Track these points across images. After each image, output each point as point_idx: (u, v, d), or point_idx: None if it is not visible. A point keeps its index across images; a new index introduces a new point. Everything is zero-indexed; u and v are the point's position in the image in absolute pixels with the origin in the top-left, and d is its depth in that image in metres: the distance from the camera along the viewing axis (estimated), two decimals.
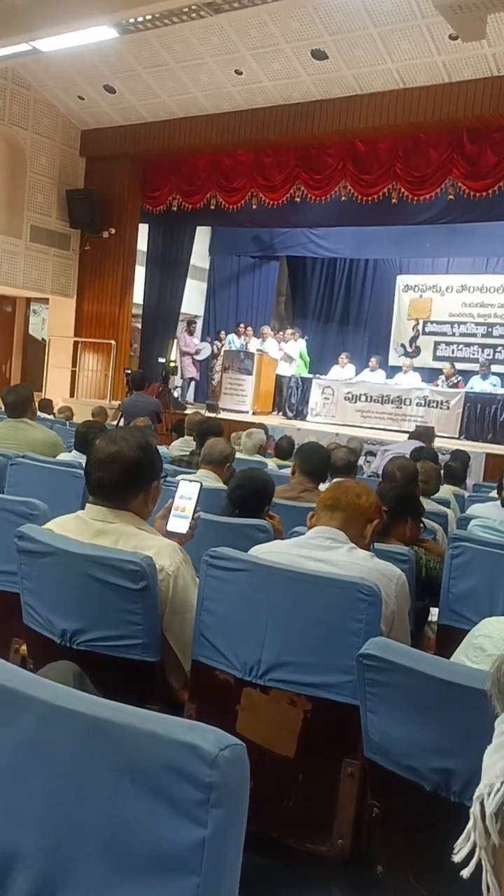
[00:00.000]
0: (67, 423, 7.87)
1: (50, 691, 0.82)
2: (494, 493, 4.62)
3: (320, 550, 1.98)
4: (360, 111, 9.28)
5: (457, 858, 0.57)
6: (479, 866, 0.57)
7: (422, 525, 3.05)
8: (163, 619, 1.84)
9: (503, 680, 0.58)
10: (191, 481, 2.21)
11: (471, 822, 0.56)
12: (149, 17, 8.39)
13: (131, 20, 8.41)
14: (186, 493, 2.14)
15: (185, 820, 0.73)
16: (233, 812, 0.74)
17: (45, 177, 11.53)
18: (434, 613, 2.74)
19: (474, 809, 0.56)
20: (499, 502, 3.58)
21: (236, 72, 9.46)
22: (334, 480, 2.33)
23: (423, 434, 7.89)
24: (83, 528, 1.91)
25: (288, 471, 4.86)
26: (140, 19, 8.43)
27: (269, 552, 2.03)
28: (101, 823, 0.77)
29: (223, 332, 13.68)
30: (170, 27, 8.73)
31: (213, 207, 11.20)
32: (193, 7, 8.08)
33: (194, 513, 2.12)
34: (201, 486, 2.20)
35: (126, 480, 1.90)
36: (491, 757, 0.56)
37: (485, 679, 1.04)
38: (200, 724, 0.77)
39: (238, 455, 5.27)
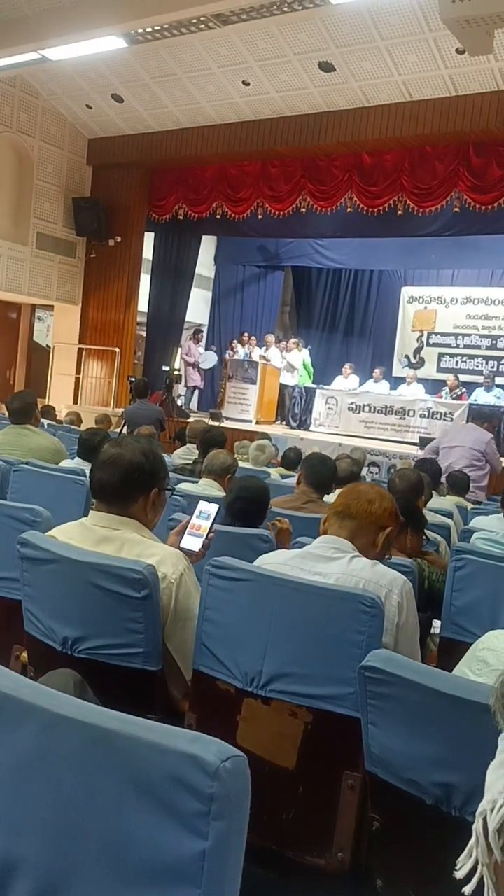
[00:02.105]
0: (73, 426, 7.90)
1: (53, 700, 0.82)
2: (498, 506, 4.61)
3: (321, 562, 1.95)
4: (366, 123, 9.32)
5: (459, 875, 0.57)
6: (480, 883, 0.56)
7: (425, 537, 3.05)
8: (165, 627, 1.84)
9: None
10: (210, 502, 2.21)
11: (473, 839, 0.56)
12: (157, 28, 8.44)
13: (140, 30, 8.47)
14: (204, 513, 2.15)
15: (186, 831, 0.73)
16: (234, 824, 0.74)
17: (52, 184, 11.59)
18: (436, 626, 2.73)
19: (477, 826, 0.56)
20: (502, 514, 3.57)
21: (244, 83, 9.52)
22: (348, 485, 2.25)
23: (486, 416, 7.79)
24: (87, 535, 1.91)
25: (291, 481, 4.87)
26: (149, 29, 8.48)
27: (268, 563, 2.02)
28: (103, 833, 0.76)
29: (234, 342, 13.70)
30: (178, 38, 8.79)
31: (218, 217, 11.25)
32: (202, 18, 8.12)
33: (209, 533, 2.12)
34: (220, 508, 2.20)
35: (125, 482, 1.90)
36: (494, 773, 0.56)
37: (488, 693, 1.04)
38: (203, 735, 0.77)
39: (244, 465, 5.28)
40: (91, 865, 0.77)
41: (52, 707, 0.81)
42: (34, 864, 0.78)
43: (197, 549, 2.10)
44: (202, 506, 2.17)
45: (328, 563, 1.95)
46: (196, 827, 0.73)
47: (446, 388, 11.73)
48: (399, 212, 9.80)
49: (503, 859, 0.54)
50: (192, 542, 2.11)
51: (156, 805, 0.75)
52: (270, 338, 13.51)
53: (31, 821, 0.79)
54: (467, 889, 0.56)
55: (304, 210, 10.53)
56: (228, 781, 0.73)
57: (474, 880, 0.56)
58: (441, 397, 11.50)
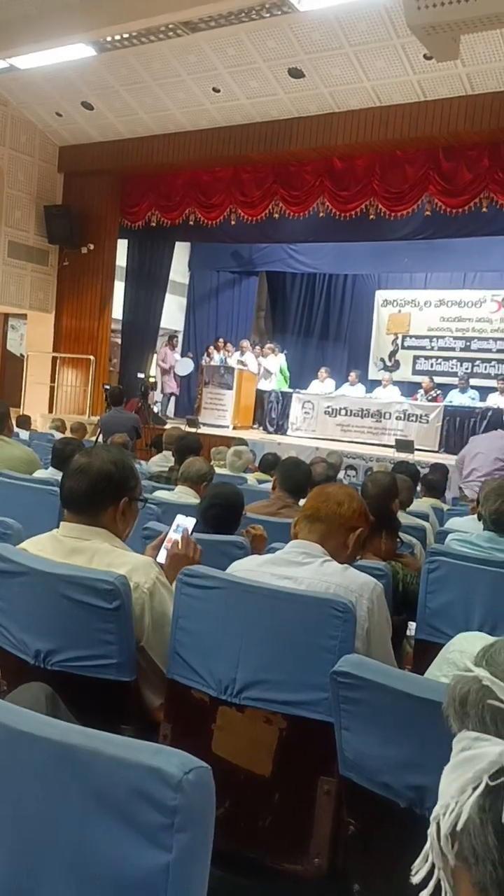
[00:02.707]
0: (58, 432, 7.89)
1: (15, 717, 0.82)
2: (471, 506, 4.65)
3: (291, 567, 1.94)
4: (337, 128, 9.38)
5: (415, 880, 0.57)
6: (438, 887, 0.57)
7: (399, 539, 3.06)
8: (144, 636, 1.84)
9: (459, 699, 0.58)
10: (187, 516, 2.21)
11: (428, 844, 0.57)
12: (126, 36, 8.45)
13: (109, 38, 8.46)
14: (181, 527, 2.15)
15: (150, 844, 0.73)
16: (198, 836, 0.74)
17: (23, 193, 11.53)
18: (412, 628, 2.75)
19: (431, 830, 0.56)
20: (476, 516, 3.60)
21: (214, 89, 9.54)
22: (316, 487, 2.23)
23: None
24: (57, 546, 1.91)
25: (267, 486, 4.88)
26: (117, 37, 8.48)
27: (240, 570, 2.02)
28: (67, 848, 0.76)
29: (211, 348, 13.71)
30: (147, 45, 8.79)
31: (191, 223, 11.26)
32: (170, 26, 8.14)
33: (189, 544, 2.12)
34: (196, 521, 2.20)
35: (94, 492, 1.90)
36: (447, 777, 0.56)
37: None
38: (166, 747, 0.77)
39: (220, 471, 5.28)
40: (55, 880, 0.76)
41: (13, 724, 0.80)
42: None
43: None
44: (179, 519, 2.17)
45: (298, 567, 1.94)
46: (160, 840, 0.72)
47: (421, 391, 11.82)
48: (371, 216, 9.87)
49: (456, 864, 0.54)
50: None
51: (119, 819, 0.74)
52: (246, 343, 13.54)
53: None
54: (424, 893, 0.57)
55: (276, 215, 10.57)
56: (191, 793, 0.73)
57: (431, 884, 0.57)
58: (417, 399, 11.58)
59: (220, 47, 8.79)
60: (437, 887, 0.57)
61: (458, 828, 0.53)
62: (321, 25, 8.03)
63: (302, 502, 3.72)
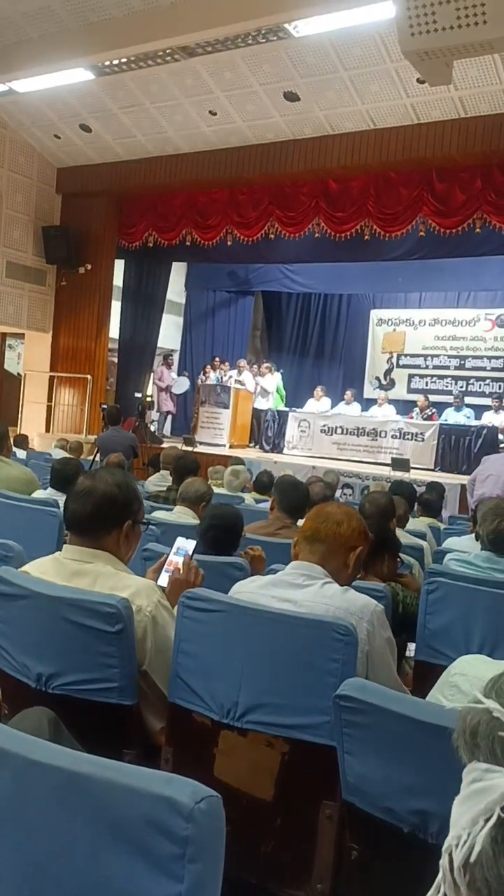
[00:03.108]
0: (61, 451, 7.91)
1: (26, 745, 0.82)
2: (470, 526, 4.66)
3: (292, 589, 1.94)
4: (332, 151, 9.49)
5: None
6: None
7: (399, 560, 3.07)
8: (147, 659, 1.84)
9: (469, 731, 0.59)
10: (187, 538, 2.22)
11: (440, 875, 0.57)
12: (124, 60, 8.55)
13: (107, 62, 8.56)
14: (182, 550, 2.15)
15: (162, 875, 0.73)
16: (209, 865, 0.74)
17: (21, 213, 11.60)
18: (411, 649, 2.74)
19: (443, 862, 0.57)
20: (474, 535, 3.61)
21: (211, 112, 9.65)
22: (315, 507, 2.22)
23: None
24: (59, 569, 1.91)
25: (265, 505, 4.88)
26: (116, 62, 8.58)
27: (241, 592, 2.02)
28: (78, 879, 0.76)
29: (208, 367, 13.76)
30: (145, 69, 8.90)
31: (188, 244, 11.34)
32: (168, 50, 8.25)
33: (189, 566, 2.12)
34: (197, 543, 2.20)
35: (98, 514, 1.90)
36: (459, 808, 0.57)
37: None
38: (176, 776, 0.77)
39: (218, 490, 5.28)
40: None
41: (24, 752, 0.81)
42: None
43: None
44: (179, 542, 2.17)
45: (299, 589, 1.94)
46: (172, 870, 0.73)
47: (417, 409, 11.87)
48: (366, 237, 9.96)
49: (469, 895, 0.55)
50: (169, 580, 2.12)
51: (131, 849, 0.75)
52: (243, 362, 13.59)
53: (4, 866, 0.79)
54: None
55: (272, 236, 10.65)
56: (203, 823, 0.73)
57: None
58: (412, 418, 11.62)
59: (216, 71, 8.90)
60: None
61: (472, 860, 0.54)
62: (316, 50, 8.14)
63: (300, 523, 3.73)
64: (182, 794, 0.74)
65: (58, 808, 0.78)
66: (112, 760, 0.80)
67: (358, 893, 1.57)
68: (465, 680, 1.50)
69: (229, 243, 11.06)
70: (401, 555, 3.25)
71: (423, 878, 1.46)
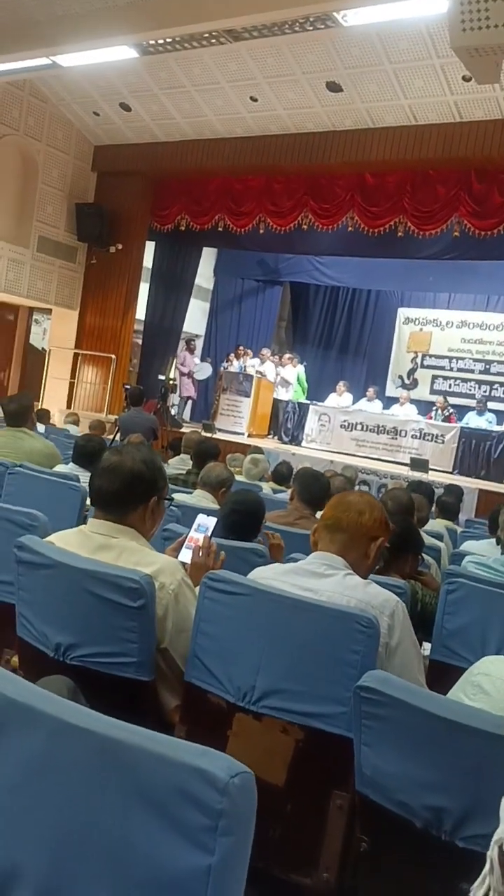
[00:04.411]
0: (73, 427, 7.92)
1: (61, 708, 0.82)
2: (487, 530, 4.62)
3: (313, 578, 1.92)
4: (371, 144, 9.41)
5: None
6: None
7: (420, 557, 3.05)
8: (167, 637, 1.84)
9: None
10: (208, 515, 2.21)
11: (487, 866, 0.56)
12: (169, 40, 8.48)
13: (152, 42, 8.51)
14: (203, 527, 2.15)
15: (192, 846, 0.73)
16: (240, 841, 0.73)
17: (56, 189, 11.62)
18: (426, 648, 2.73)
19: (492, 854, 0.56)
20: (494, 540, 3.58)
21: (252, 98, 9.59)
22: (336, 495, 2.18)
23: None
24: (85, 542, 1.91)
25: (283, 496, 4.87)
26: (160, 41, 8.52)
27: (261, 577, 2.00)
28: (106, 844, 0.76)
29: (231, 355, 13.74)
30: (189, 51, 8.83)
31: (220, 229, 11.31)
32: (213, 33, 8.18)
33: (209, 545, 2.12)
34: (217, 521, 2.20)
35: (125, 490, 1.90)
36: None
37: (484, 719, 1.03)
38: (211, 749, 0.77)
39: (237, 477, 5.28)
40: (93, 876, 0.76)
41: (60, 714, 0.80)
42: (35, 872, 0.77)
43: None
44: (200, 519, 2.17)
45: (321, 579, 1.92)
46: (202, 842, 0.72)
47: (436, 408, 11.81)
48: (399, 233, 9.88)
49: None
50: (190, 557, 2.12)
51: (161, 818, 0.74)
52: (266, 352, 13.56)
53: (34, 829, 0.79)
54: None
55: (305, 227, 10.60)
56: (237, 798, 0.73)
57: None
58: (431, 418, 11.55)
59: (260, 57, 8.85)
60: None
61: None
62: (362, 41, 8.07)
63: (319, 515, 3.72)
64: (217, 768, 0.73)
65: (89, 771, 0.78)
66: (146, 729, 0.80)
67: (365, 885, 1.56)
68: (488, 680, 1.48)
69: (261, 231, 11.02)
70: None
71: (432, 874, 1.45)
